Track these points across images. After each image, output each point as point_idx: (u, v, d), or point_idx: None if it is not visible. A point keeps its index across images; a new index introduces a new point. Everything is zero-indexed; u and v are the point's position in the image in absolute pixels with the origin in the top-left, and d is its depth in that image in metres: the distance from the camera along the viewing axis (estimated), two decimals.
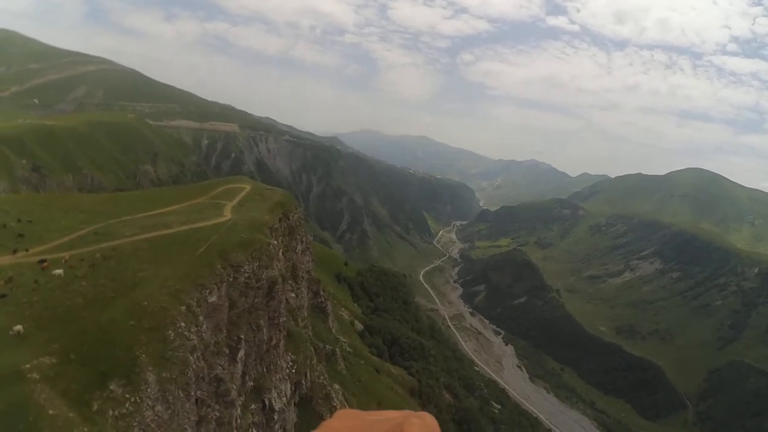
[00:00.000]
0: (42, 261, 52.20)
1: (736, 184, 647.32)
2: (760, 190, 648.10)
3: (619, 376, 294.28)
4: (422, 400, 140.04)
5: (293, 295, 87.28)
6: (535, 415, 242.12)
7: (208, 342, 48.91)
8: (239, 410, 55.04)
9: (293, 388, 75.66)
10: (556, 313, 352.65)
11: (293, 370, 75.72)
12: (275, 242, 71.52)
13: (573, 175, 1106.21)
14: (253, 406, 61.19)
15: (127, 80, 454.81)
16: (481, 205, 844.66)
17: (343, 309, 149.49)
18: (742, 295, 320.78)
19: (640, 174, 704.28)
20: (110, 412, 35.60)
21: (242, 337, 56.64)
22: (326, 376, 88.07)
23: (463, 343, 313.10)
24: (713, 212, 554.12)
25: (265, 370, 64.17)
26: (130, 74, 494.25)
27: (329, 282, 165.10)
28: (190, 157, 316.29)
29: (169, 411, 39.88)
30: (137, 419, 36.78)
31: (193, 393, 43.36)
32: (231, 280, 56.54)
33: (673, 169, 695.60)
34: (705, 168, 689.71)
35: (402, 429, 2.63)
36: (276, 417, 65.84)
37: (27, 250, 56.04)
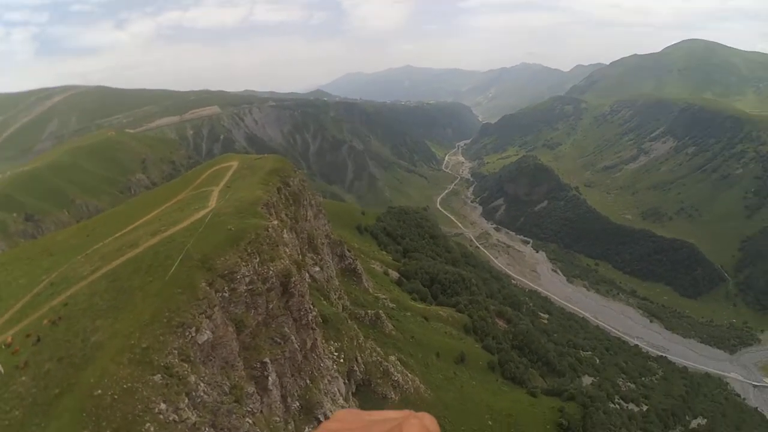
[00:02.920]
0: None
1: (734, 49, 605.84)
2: (760, 52, 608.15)
3: (654, 260, 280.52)
4: (477, 335, 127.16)
5: (317, 269, 71.41)
6: (581, 316, 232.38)
7: (216, 401, 33.06)
8: None
9: (347, 380, 61.22)
10: (579, 211, 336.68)
11: (341, 361, 61.04)
12: (276, 222, 54.53)
13: (566, 70, 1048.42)
14: (307, 430, 46.54)
15: (96, 99, 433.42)
16: (480, 120, 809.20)
17: (373, 261, 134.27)
18: (762, 160, 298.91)
19: (635, 55, 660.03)
20: None
21: (267, 360, 41.03)
22: (378, 350, 73.66)
23: (495, 260, 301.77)
24: (715, 82, 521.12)
25: (308, 380, 49.06)
26: (98, 92, 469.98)
27: (351, 237, 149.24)
28: (178, 152, 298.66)
29: None
30: None
31: None
32: (227, 295, 40.29)
33: (668, 45, 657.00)
34: (700, 38, 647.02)
35: (401, 430, 2.56)
36: None
37: None
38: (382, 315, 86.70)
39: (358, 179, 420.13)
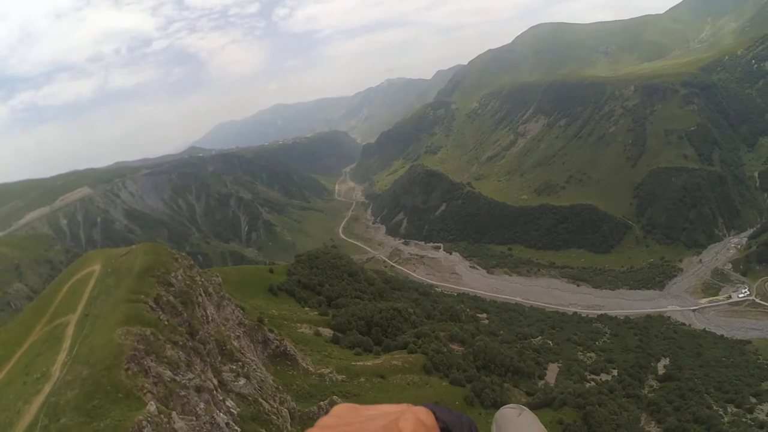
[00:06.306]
0: None
1: (578, 25, 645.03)
2: (601, 21, 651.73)
3: (561, 229, 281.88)
4: (440, 371, 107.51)
5: (242, 381, 47.93)
6: (514, 302, 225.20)
7: None
8: None
9: None
10: (477, 204, 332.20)
11: None
12: (154, 406, 27.10)
13: (429, 78, 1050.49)
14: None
15: None
16: (359, 142, 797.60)
17: (300, 326, 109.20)
18: (630, 114, 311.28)
19: (489, 50, 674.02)
20: None
21: None
22: None
23: (413, 274, 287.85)
24: (568, 58, 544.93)
25: None
26: None
27: (267, 303, 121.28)
28: (54, 248, 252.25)
29: None
30: None
31: None
32: None
33: (517, 35, 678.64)
34: (545, 22, 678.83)
35: (398, 425, 2.49)
36: None
37: None
38: (337, 400, 64.98)
39: (254, 230, 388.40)
